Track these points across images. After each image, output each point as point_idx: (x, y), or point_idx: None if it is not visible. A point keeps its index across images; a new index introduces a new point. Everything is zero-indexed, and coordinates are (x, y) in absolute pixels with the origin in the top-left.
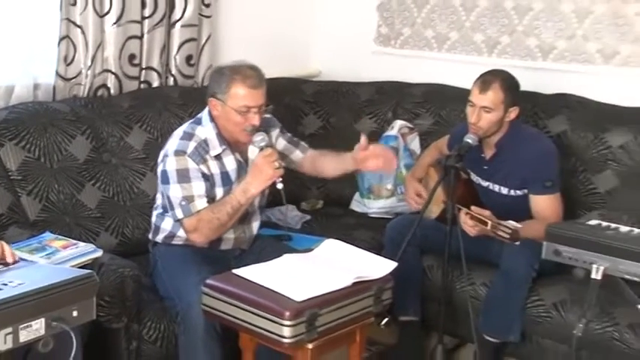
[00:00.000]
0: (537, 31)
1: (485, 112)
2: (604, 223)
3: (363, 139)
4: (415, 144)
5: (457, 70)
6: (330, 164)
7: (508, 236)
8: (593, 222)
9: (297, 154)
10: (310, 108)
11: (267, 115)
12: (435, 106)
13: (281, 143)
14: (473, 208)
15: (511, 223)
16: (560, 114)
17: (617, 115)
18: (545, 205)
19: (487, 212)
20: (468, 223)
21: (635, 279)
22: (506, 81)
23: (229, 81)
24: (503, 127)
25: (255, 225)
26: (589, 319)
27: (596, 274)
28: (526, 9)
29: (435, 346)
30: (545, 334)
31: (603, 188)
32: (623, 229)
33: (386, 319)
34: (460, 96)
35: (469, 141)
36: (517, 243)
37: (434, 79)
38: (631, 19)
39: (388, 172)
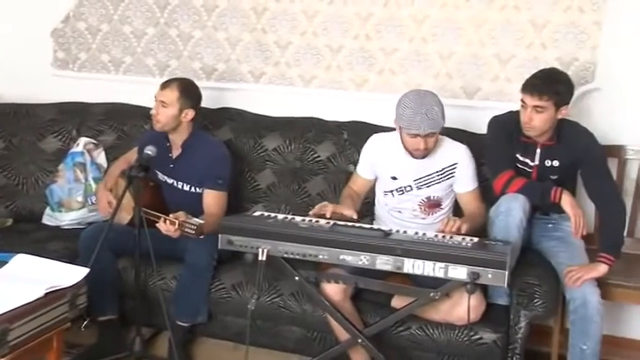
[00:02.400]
0: (200, 56)
1: (162, 107)
2: (266, 214)
3: None
4: (101, 158)
5: (134, 90)
6: None
7: (194, 232)
8: (257, 213)
9: None
10: None
11: None
12: (117, 123)
13: None
14: (172, 215)
15: (195, 219)
16: (225, 125)
17: (269, 123)
18: (214, 200)
19: (180, 213)
20: (169, 229)
21: (292, 256)
22: (184, 84)
23: None
24: (185, 127)
25: None
26: (259, 294)
27: (262, 256)
28: (188, 37)
29: (134, 338)
30: (228, 312)
31: (264, 184)
32: (280, 217)
33: (85, 322)
34: (139, 113)
35: (149, 152)
36: (202, 237)
37: (114, 99)
38: (272, 47)
39: None
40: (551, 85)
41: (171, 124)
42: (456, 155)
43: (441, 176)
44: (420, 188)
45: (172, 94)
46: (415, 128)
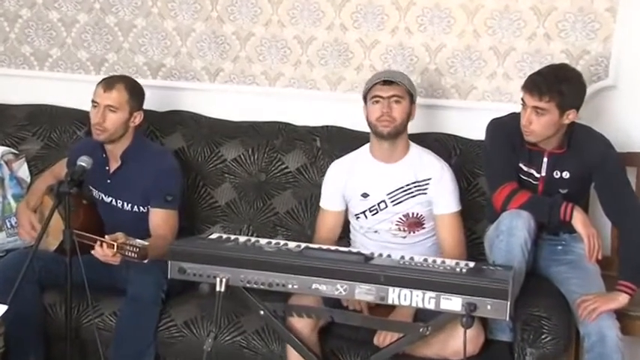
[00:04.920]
0: (144, 49)
1: (110, 112)
2: (224, 236)
3: None
4: (23, 171)
5: (65, 89)
6: None
7: (136, 255)
8: (214, 236)
9: None
10: None
11: None
12: (43, 129)
13: None
14: (108, 236)
15: (138, 241)
16: (176, 131)
17: (228, 129)
18: (162, 220)
19: (119, 234)
20: (107, 254)
21: (256, 286)
22: (131, 84)
23: None
24: (129, 134)
25: None
26: (217, 332)
27: (220, 287)
28: (130, 26)
29: None
30: (179, 354)
31: (223, 201)
32: (242, 239)
33: None
34: (71, 116)
35: (83, 164)
36: (145, 261)
37: (39, 100)
38: (230, 39)
39: None
40: (554, 83)
41: (119, 132)
42: (432, 170)
43: (414, 189)
44: (395, 204)
45: (121, 96)
46: (376, 78)
